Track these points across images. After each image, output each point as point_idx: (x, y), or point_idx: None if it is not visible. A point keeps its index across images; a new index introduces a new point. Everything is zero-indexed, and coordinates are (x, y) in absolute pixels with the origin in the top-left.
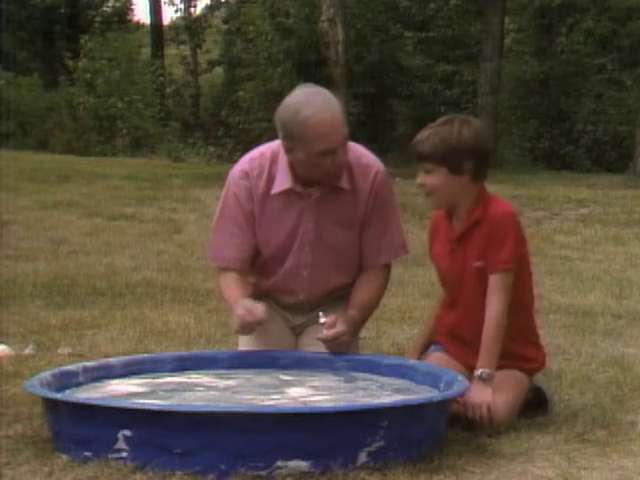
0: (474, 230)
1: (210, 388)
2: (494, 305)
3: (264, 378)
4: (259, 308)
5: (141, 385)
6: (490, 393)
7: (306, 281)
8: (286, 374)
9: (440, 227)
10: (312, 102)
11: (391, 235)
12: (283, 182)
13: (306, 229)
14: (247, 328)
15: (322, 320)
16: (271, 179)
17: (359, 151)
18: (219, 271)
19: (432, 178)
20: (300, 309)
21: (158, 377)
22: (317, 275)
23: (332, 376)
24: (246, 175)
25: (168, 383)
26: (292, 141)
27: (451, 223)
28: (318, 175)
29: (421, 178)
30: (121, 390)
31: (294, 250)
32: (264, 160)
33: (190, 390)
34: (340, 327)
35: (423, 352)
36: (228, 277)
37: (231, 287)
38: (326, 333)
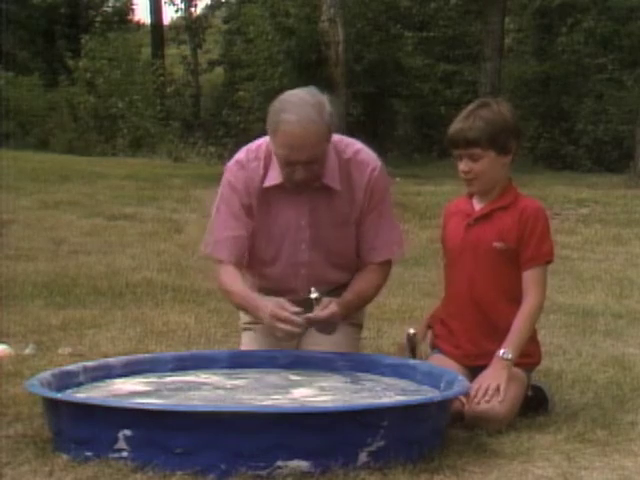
0: (498, 213)
1: (217, 387)
2: (533, 298)
3: (273, 378)
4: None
5: (147, 384)
6: (505, 377)
7: (304, 279)
8: (296, 374)
9: (457, 209)
10: (297, 110)
11: (387, 233)
12: (275, 177)
13: (300, 226)
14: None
15: (314, 295)
16: (266, 172)
17: (356, 146)
18: (216, 264)
19: (481, 163)
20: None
21: (165, 376)
22: (315, 273)
23: (340, 377)
24: (242, 166)
25: (175, 382)
26: (268, 132)
27: (471, 202)
28: (284, 177)
29: (466, 165)
30: (126, 389)
31: (290, 248)
32: (260, 152)
33: (195, 389)
34: (333, 308)
35: (430, 327)
36: (229, 272)
37: (238, 283)
38: (320, 313)
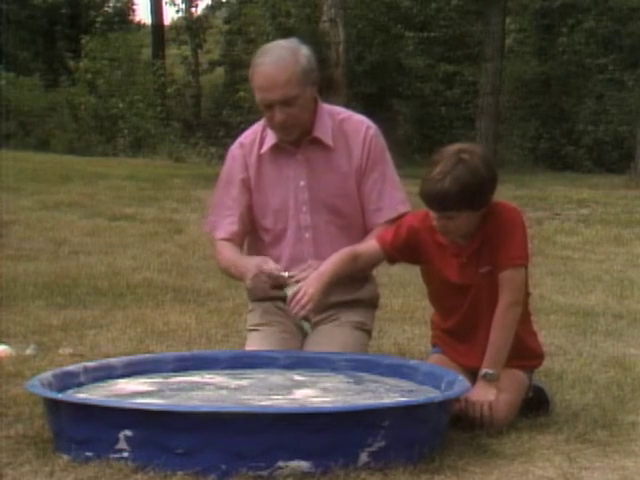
0: (486, 243)
1: (220, 388)
2: (500, 303)
3: (277, 378)
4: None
5: (151, 384)
6: (493, 393)
7: (310, 243)
8: (300, 375)
9: (439, 244)
10: (271, 54)
11: (390, 192)
12: (270, 140)
13: (299, 187)
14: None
15: (286, 273)
16: (262, 142)
17: (348, 112)
18: (215, 242)
19: (456, 221)
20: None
21: (168, 376)
22: (320, 237)
23: (343, 377)
24: (240, 145)
25: (179, 382)
26: (250, 82)
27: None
28: (268, 123)
29: (442, 223)
30: (129, 389)
31: (292, 212)
32: (257, 127)
33: (198, 389)
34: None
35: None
36: (224, 246)
37: (228, 251)
38: (299, 275)
